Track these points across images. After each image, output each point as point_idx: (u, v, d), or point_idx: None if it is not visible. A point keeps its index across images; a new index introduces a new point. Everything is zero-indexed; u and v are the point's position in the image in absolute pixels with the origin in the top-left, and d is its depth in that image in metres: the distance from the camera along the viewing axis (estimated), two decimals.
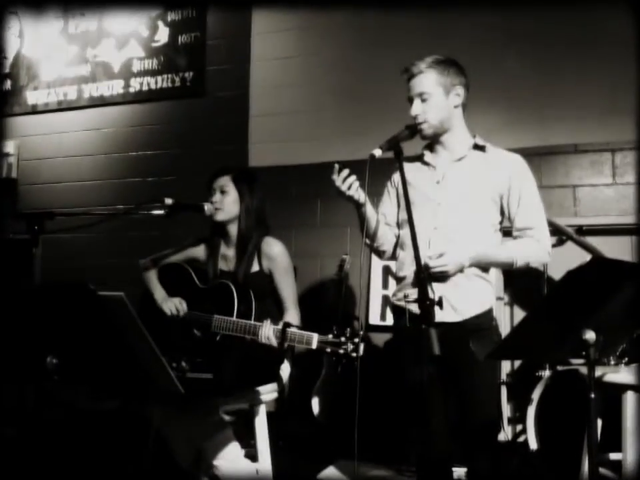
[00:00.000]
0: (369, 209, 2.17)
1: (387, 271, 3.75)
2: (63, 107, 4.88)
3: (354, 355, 2.04)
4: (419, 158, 2.24)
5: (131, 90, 4.66)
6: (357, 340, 2.05)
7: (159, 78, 4.58)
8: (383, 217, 2.31)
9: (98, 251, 4.55)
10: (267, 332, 2.22)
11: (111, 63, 4.74)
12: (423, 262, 1.87)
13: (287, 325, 2.17)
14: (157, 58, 4.60)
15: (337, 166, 2.01)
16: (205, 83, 4.45)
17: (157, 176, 4.52)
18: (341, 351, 2.05)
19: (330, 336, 2.08)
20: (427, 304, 1.67)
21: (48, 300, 1.66)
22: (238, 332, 2.31)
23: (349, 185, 2.01)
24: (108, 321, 1.56)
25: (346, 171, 2.01)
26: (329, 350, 2.07)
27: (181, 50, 4.53)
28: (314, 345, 2.10)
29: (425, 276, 1.73)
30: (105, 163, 4.72)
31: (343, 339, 2.07)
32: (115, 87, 4.71)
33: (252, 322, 2.31)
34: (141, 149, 4.61)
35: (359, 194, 2.04)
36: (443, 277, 2.01)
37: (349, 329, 2.09)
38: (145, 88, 4.62)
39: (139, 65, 4.65)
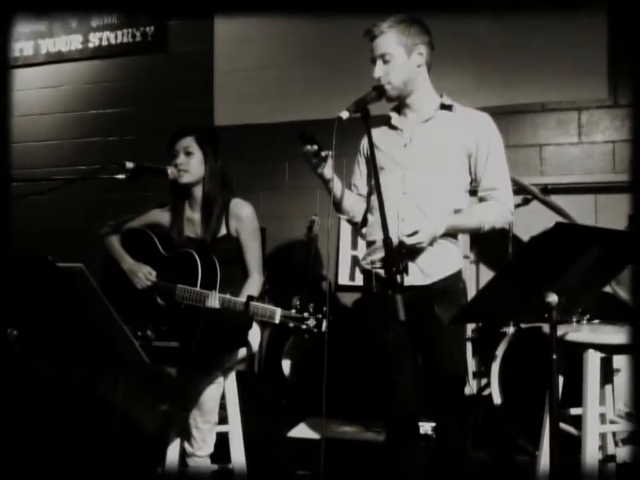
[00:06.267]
0: (336, 182, 2.16)
1: (356, 232, 3.75)
2: (19, 64, 4.69)
3: (316, 330, 2.06)
4: (387, 121, 2.20)
5: (90, 45, 4.50)
6: (320, 316, 2.06)
7: (119, 33, 4.42)
8: (355, 188, 2.30)
9: (58, 214, 4.45)
10: (214, 303, 2.23)
11: (69, 17, 4.53)
12: (397, 240, 1.89)
13: (250, 298, 2.17)
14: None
15: (307, 145, 2.00)
16: (167, 37, 4.31)
17: (118, 135, 4.41)
18: (304, 327, 2.07)
19: (293, 311, 2.09)
20: (393, 270, 1.67)
21: (6, 272, 1.61)
22: (193, 302, 2.31)
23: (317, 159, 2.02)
24: (68, 292, 1.53)
25: (314, 147, 2.00)
26: (291, 325, 2.08)
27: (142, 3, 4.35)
28: (277, 320, 2.10)
29: (391, 242, 1.72)
30: (64, 122, 4.57)
31: (306, 314, 2.07)
32: (73, 43, 4.54)
33: (199, 290, 2.31)
34: (101, 107, 4.47)
35: (328, 170, 2.06)
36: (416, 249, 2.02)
37: (312, 304, 2.10)
38: (104, 43, 4.46)
39: (97, 19, 4.46)
